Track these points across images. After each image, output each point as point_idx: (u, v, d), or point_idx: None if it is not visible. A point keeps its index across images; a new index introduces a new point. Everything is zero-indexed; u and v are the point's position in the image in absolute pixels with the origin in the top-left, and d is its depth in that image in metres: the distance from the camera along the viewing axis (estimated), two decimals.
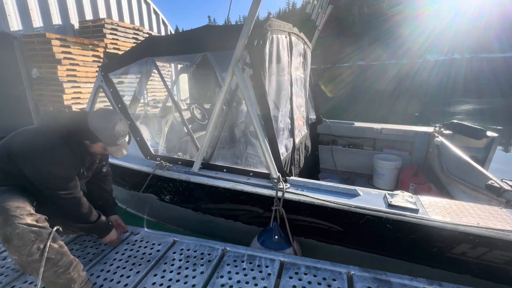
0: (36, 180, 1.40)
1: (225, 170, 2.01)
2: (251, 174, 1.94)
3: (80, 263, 1.43)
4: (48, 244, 1.27)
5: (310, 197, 1.66)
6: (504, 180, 1.86)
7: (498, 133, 2.73)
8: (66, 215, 1.56)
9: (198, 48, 2.10)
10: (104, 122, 1.49)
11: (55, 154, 1.40)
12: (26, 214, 1.27)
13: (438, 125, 3.20)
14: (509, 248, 1.34)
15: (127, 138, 1.66)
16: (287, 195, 1.71)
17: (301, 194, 1.69)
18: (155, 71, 2.49)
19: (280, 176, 1.79)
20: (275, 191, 1.73)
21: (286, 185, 1.77)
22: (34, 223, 1.27)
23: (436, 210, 1.50)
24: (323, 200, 1.63)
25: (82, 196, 1.58)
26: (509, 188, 1.73)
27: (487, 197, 1.88)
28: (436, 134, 3.07)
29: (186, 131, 2.32)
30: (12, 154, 1.37)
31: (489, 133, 2.69)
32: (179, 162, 2.18)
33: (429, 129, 3.28)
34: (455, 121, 3.07)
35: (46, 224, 1.33)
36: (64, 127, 1.45)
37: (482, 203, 1.62)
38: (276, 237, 1.75)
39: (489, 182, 1.84)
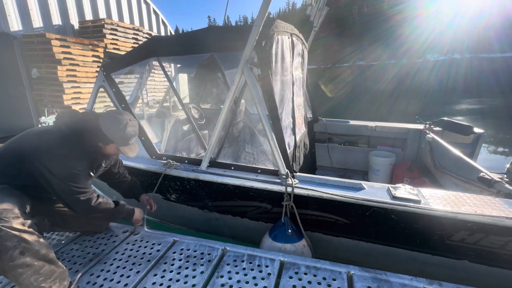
0: (51, 176, 1.39)
1: (232, 168, 2.04)
2: (259, 171, 1.97)
3: (66, 272, 1.39)
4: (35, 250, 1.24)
5: (319, 191, 1.70)
6: (491, 172, 1.97)
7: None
8: (82, 210, 1.55)
9: (203, 48, 2.11)
10: (115, 123, 1.56)
11: (73, 151, 1.47)
12: (13, 217, 1.23)
13: (429, 122, 3.32)
14: (503, 233, 1.44)
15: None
16: (296, 190, 1.76)
17: (310, 189, 1.74)
18: (155, 71, 2.50)
19: (289, 172, 1.83)
20: (284, 187, 1.77)
21: (295, 181, 1.81)
22: (20, 227, 1.23)
23: (436, 200, 1.57)
24: (333, 194, 1.67)
25: (94, 191, 1.60)
26: (499, 179, 1.84)
27: (479, 189, 1.97)
28: (427, 131, 3.20)
29: (189, 129, 2.32)
30: (26, 153, 1.40)
31: (476, 130, 2.81)
32: (186, 161, 2.19)
33: (420, 126, 3.40)
34: (445, 118, 3.18)
35: (33, 229, 1.30)
36: (79, 129, 1.52)
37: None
38: (290, 231, 1.79)
39: (481, 175, 1.95)
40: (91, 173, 1.67)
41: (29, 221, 1.30)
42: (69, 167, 1.43)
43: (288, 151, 2.04)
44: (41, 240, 1.30)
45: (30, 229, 1.28)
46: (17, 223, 1.23)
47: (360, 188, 1.72)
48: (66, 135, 1.49)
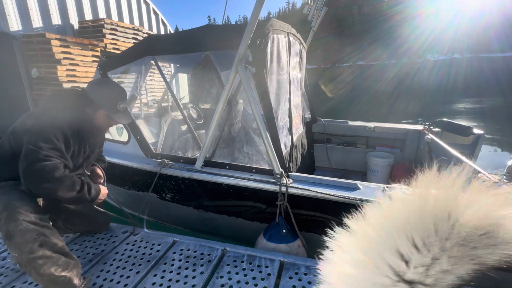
0: (26, 136, 1.31)
1: (227, 167, 2.03)
2: (253, 170, 1.96)
3: (79, 263, 1.43)
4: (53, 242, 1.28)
5: (313, 191, 1.69)
6: (491, 173, 1.96)
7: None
8: (45, 175, 1.28)
9: (199, 47, 2.11)
10: (102, 87, 1.58)
11: (54, 120, 1.39)
12: (31, 212, 1.27)
13: (428, 123, 3.30)
14: None
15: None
16: (290, 190, 1.75)
17: (304, 189, 1.73)
18: (154, 70, 2.49)
19: (283, 171, 1.82)
20: (279, 186, 1.76)
21: (289, 180, 1.80)
22: (38, 221, 1.27)
23: None
24: (326, 194, 1.66)
25: (64, 168, 1.37)
26: (497, 180, 1.82)
27: None
28: (426, 132, 3.18)
29: (186, 129, 2.32)
30: (17, 133, 1.38)
31: (475, 130, 2.80)
32: (181, 160, 2.19)
33: (419, 127, 3.39)
34: (444, 119, 3.16)
35: (49, 223, 1.34)
36: (66, 103, 1.50)
37: None
38: (284, 230, 1.78)
39: (479, 175, 1.89)
40: (84, 149, 1.56)
41: (45, 216, 1.36)
42: (46, 130, 1.33)
43: (284, 151, 2.03)
44: (56, 234, 1.34)
45: (47, 223, 1.32)
46: (35, 217, 1.27)
47: (354, 188, 1.72)
48: (49, 109, 1.46)
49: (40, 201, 1.41)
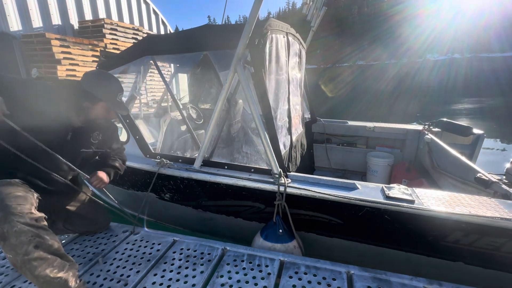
0: None
1: (226, 167, 2.03)
2: (252, 170, 1.96)
3: (76, 264, 1.41)
4: (47, 244, 1.27)
5: (311, 191, 1.69)
6: (490, 173, 1.96)
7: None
8: None
9: (198, 47, 2.11)
10: (98, 78, 1.56)
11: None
12: (26, 213, 1.25)
13: (428, 123, 3.31)
14: (497, 234, 1.42)
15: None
16: (289, 190, 1.75)
17: (303, 188, 1.73)
18: (154, 70, 2.48)
19: (282, 171, 1.81)
20: (277, 186, 1.76)
21: (287, 180, 1.80)
22: (33, 222, 1.25)
23: (430, 200, 1.56)
24: (325, 194, 1.65)
25: None
26: (496, 180, 1.83)
27: (476, 189, 1.96)
28: (426, 132, 3.18)
29: (185, 129, 2.31)
30: None
31: (475, 131, 2.79)
32: (180, 160, 2.19)
33: (419, 127, 3.39)
34: (444, 119, 3.17)
35: (45, 223, 1.32)
36: (63, 99, 1.48)
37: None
38: (281, 230, 1.77)
39: (478, 175, 1.93)
40: (68, 134, 1.54)
41: (41, 216, 1.32)
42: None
43: (284, 151, 2.03)
44: (52, 235, 1.33)
45: (43, 224, 1.30)
46: (30, 218, 1.25)
47: (353, 188, 1.71)
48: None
49: (37, 202, 1.39)
